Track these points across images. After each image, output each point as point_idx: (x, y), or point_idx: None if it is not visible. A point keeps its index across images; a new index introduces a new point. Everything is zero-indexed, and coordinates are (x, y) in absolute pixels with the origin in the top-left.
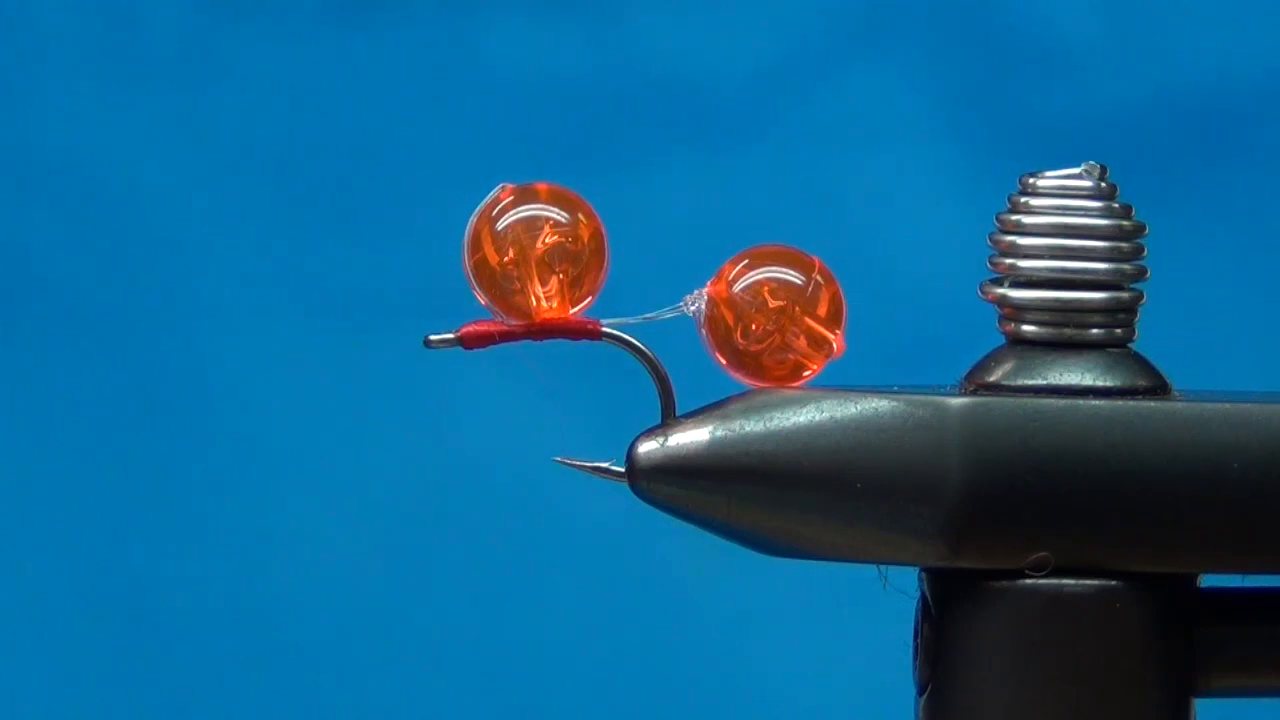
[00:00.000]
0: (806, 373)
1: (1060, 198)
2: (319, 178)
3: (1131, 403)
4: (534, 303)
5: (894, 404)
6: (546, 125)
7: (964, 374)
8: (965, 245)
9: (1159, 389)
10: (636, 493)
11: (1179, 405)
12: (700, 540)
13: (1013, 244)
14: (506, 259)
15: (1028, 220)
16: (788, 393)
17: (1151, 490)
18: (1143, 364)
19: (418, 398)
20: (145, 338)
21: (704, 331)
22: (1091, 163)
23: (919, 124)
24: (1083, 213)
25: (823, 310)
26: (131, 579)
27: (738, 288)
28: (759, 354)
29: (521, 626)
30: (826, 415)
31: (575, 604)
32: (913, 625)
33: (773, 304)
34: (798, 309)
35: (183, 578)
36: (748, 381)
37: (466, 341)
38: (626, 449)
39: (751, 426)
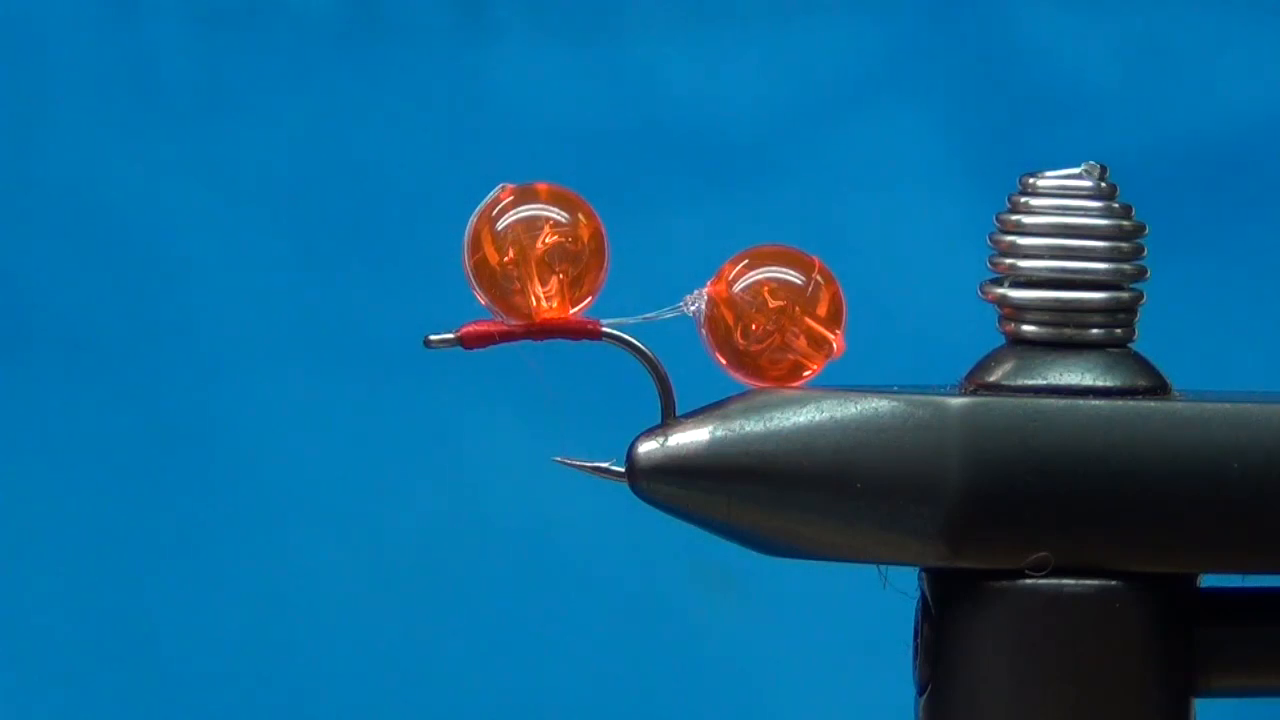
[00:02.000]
0: (806, 373)
1: (1060, 198)
2: (333, 213)
3: (1131, 403)
4: (534, 303)
5: (894, 404)
6: (560, 164)
7: (964, 374)
8: (973, 258)
9: (1159, 389)
10: (636, 493)
11: (1179, 405)
12: (700, 552)
13: (1013, 244)
14: (506, 259)
15: (1028, 220)
16: (788, 393)
17: (1151, 490)
18: (1143, 364)
19: (430, 435)
20: (157, 372)
21: (704, 331)
22: (1091, 162)
23: (934, 167)
24: (1083, 213)
25: (823, 310)
26: (141, 617)
27: (738, 288)
28: (759, 354)
29: (532, 661)
30: (826, 415)
31: (584, 635)
32: (913, 625)
33: (773, 304)
34: (798, 309)
35: (193, 613)
36: (748, 381)
37: (466, 341)
38: (626, 449)
39: (751, 426)
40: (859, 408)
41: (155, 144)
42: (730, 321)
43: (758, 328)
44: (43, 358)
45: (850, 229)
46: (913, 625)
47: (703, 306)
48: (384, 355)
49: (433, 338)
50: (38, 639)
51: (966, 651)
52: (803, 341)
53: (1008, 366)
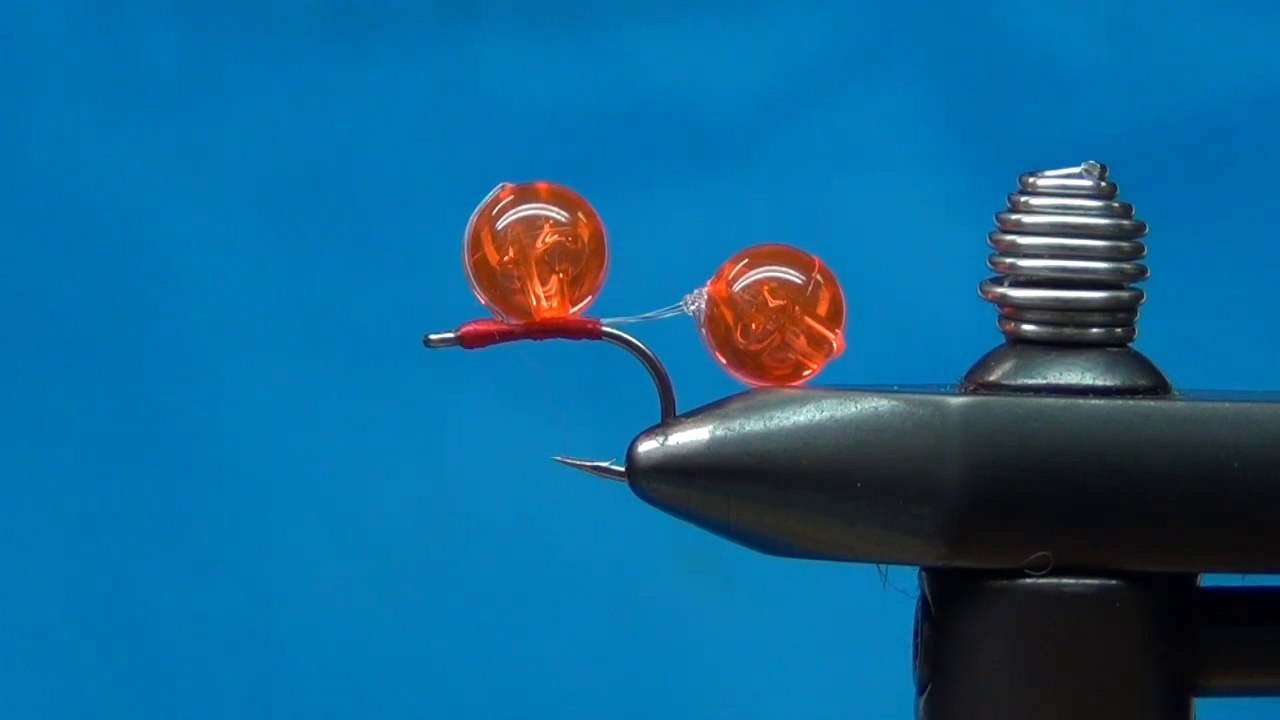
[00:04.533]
0: (806, 372)
1: (1060, 197)
2: (319, 203)
3: (1131, 402)
4: (534, 302)
5: (894, 403)
6: (544, 150)
7: (964, 374)
8: (965, 247)
9: (1159, 388)
10: (636, 492)
11: (1179, 405)
12: (685, 539)
13: (1013, 243)
14: (506, 258)
15: (1028, 219)
16: (788, 392)
17: (1151, 490)
18: (1143, 363)
19: (417, 424)
20: (144, 362)
21: (704, 331)
22: (1091, 162)
23: (920, 148)
24: (1082, 212)
25: (823, 309)
26: (133, 609)
27: (738, 287)
28: (759, 353)
29: (522, 650)
30: (826, 414)
31: (574, 625)
32: (913, 625)
33: (773, 303)
34: (798, 308)
35: (184, 607)
36: (748, 381)
37: (466, 341)
38: (626, 448)
39: (751, 426)
40: (859, 407)
41: (140, 136)
42: (730, 321)
43: (758, 327)
44: (29, 349)
45: (836, 210)
46: (913, 625)
47: (702, 306)
48: (371, 345)
49: (432, 337)
50: (28, 629)
51: (966, 651)
52: (803, 341)
53: (1007, 366)
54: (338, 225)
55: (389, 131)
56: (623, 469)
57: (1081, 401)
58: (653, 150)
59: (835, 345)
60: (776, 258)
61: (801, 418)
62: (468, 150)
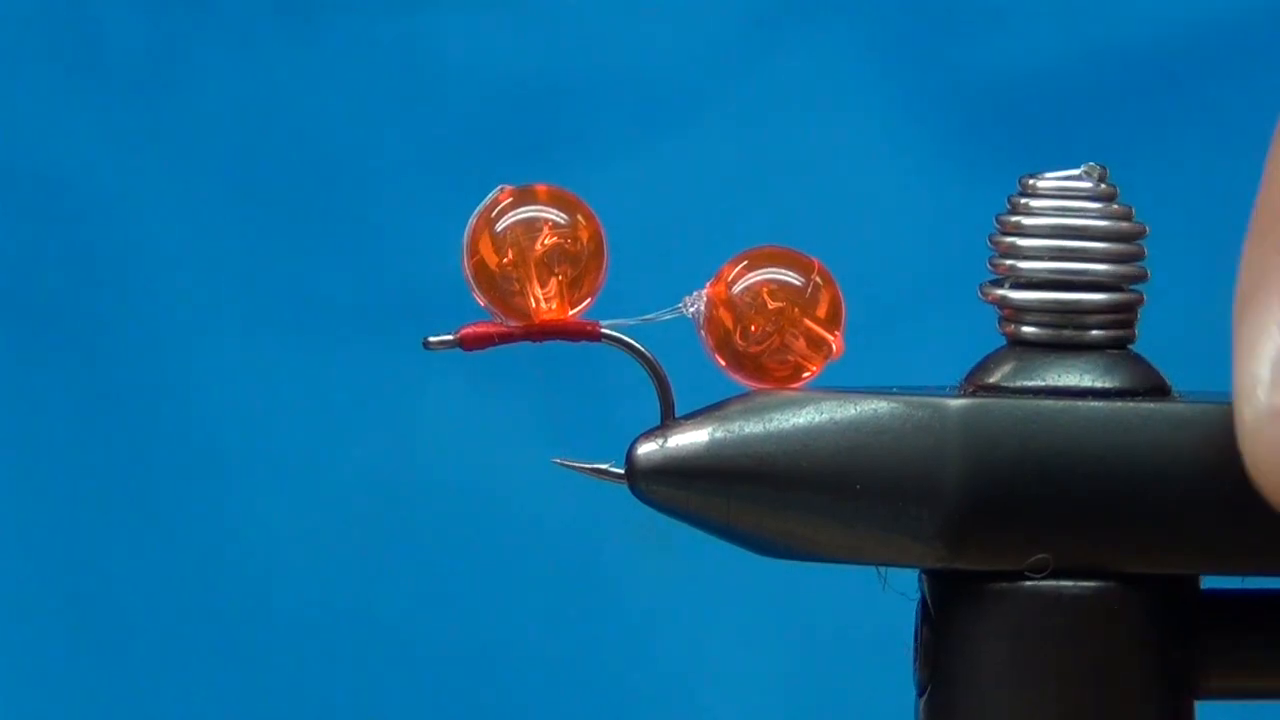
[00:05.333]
0: (806, 374)
1: (1060, 199)
2: (279, 183)
3: (1131, 404)
4: (533, 304)
5: (893, 405)
6: (500, 122)
7: (964, 375)
8: (914, 184)
9: (1159, 390)
10: (636, 494)
11: (1178, 407)
12: (651, 524)
13: (1012, 245)
14: (505, 260)
15: (1027, 221)
16: (787, 394)
17: (1151, 492)
18: (1142, 365)
19: (379, 399)
20: (109, 343)
21: (703, 333)
22: (1091, 164)
23: (866, 89)
24: (1082, 214)
25: (822, 311)
26: (97, 584)
27: (737, 289)
28: (758, 355)
29: (481, 622)
30: (826, 417)
31: (540, 609)
32: (913, 627)
33: (772, 305)
34: (797, 310)
35: (148, 583)
36: (747, 383)
37: (466, 343)
38: (626, 450)
39: (751, 428)
40: (858, 409)
41: (103, 117)
42: (730, 323)
43: (757, 329)
44: None
45: (786, 156)
46: (913, 627)
47: (702, 308)
48: (333, 322)
49: (432, 339)
50: None
51: (966, 652)
52: (802, 343)
53: (1007, 368)
54: (301, 202)
55: (349, 108)
56: (622, 471)
57: (1081, 404)
58: (604, 114)
59: (834, 347)
60: (776, 260)
61: (801, 420)
62: (425, 122)
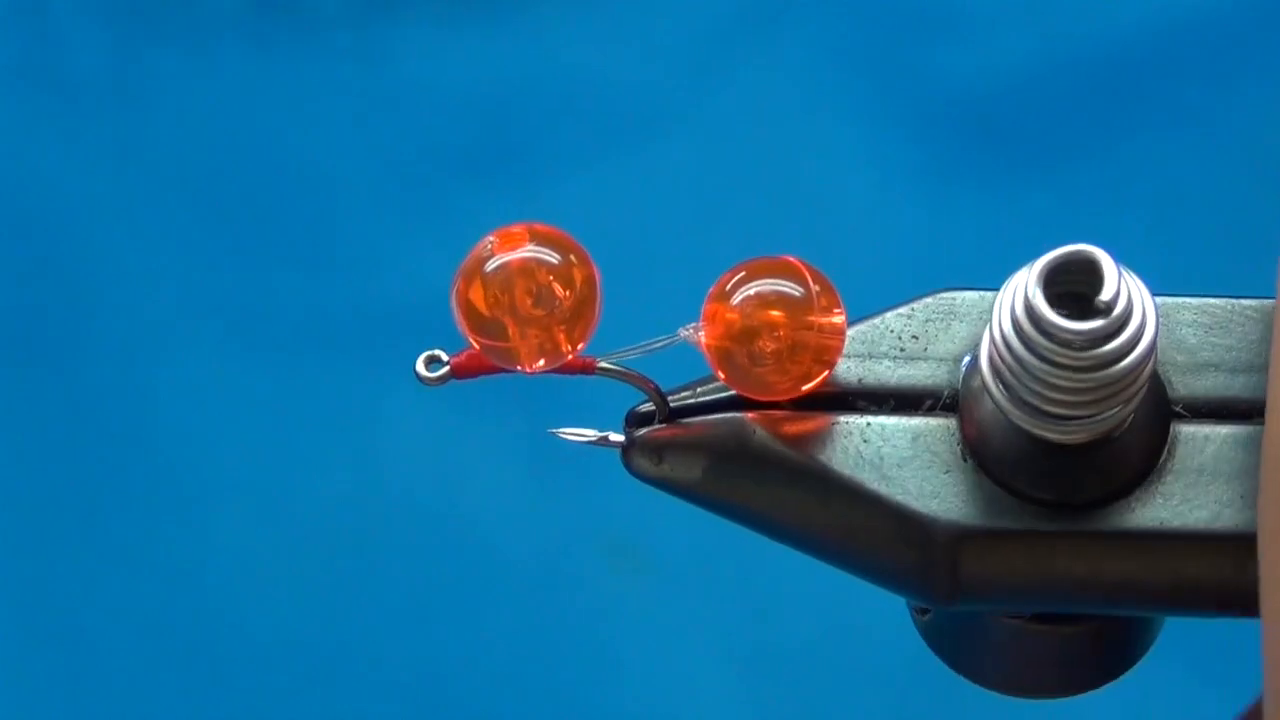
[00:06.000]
0: (808, 386)
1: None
2: (247, 195)
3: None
4: (523, 368)
5: (888, 509)
6: (464, 137)
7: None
8: (886, 184)
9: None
10: (629, 468)
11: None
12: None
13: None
14: (495, 305)
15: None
16: (779, 445)
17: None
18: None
19: (344, 413)
20: (76, 359)
21: (706, 356)
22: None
23: (831, 97)
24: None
25: (824, 319)
26: (60, 603)
27: (735, 302)
28: (764, 374)
29: (451, 638)
30: (815, 499)
31: (511, 630)
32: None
33: (775, 319)
34: (799, 322)
35: (113, 603)
36: (754, 398)
37: (458, 373)
38: (624, 416)
39: (742, 482)
40: (850, 507)
41: (67, 133)
42: (732, 346)
43: (760, 348)
44: None
45: (755, 166)
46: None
47: (702, 335)
48: (301, 338)
49: (429, 376)
50: None
51: None
52: (808, 356)
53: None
54: (268, 219)
55: (316, 125)
56: (621, 438)
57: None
58: (572, 128)
59: (836, 355)
60: (772, 271)
61: (793, 493)
62: (391, 140)
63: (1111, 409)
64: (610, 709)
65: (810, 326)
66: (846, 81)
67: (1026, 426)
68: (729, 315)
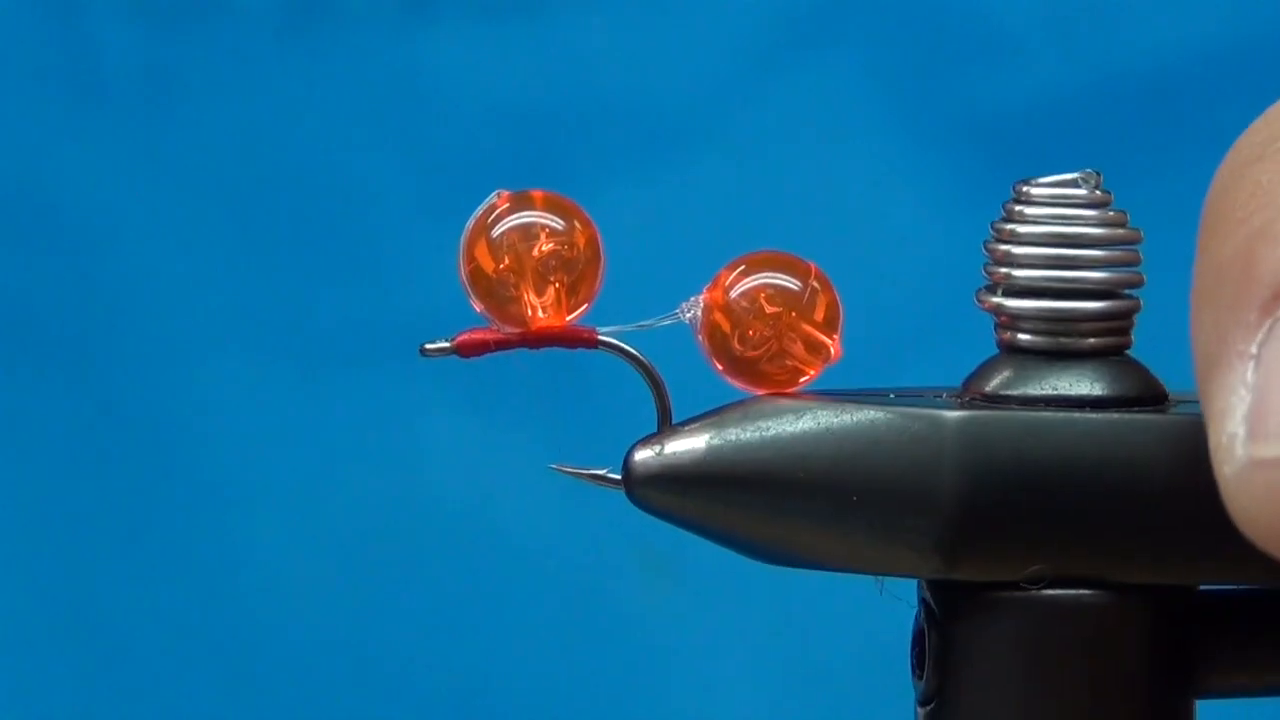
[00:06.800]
0: (804, 378)
1: (1054, 206)
2: (278, 207)
3: (1127, 415)
4: (529, 312)
5: (889, 416)
6: (501, 146)
7: (962, 382)
8: (917, 210)
9: (1156, 396)
10: (633, 500)
11: (1175, 417)
12: (659, 549)
13: (1007, 253)
14: (502, 266)
15: (1022, 229)
16: (784, 402)
17: (1149, 504)
18: (1140, 372)
19: (375, 422)
20: (107, 365)
21: (701, 338)
22: (1086, 170)
23: (869, 116)
24: (1077, 221)
25: (820, 315)
26: (95, 609)
27: (734, 294)
28: (756, 360)
29: (483, 650)
30: (822, 426)
31: (542, 634)
32: (912, 634)
33: (770, 310)
34: (795, 315)
35: (147, 610)
36: (745, 387)
37: (462, 350)
38: (623, 457)
39: (748, 436)
40: (854, 419)
41: (100, 136)
42: (727, 328)
43: (755, 334)
44: None
45: (788, 184)
46: (912, 634)
47: (699, 314)
48: (333, 345)
49: (429, 346)
50: None
51: (967, 660)
52: (800, 347)
53: (1004, 376)
54: (299, 225)
55: (345, 129)
56: (619, 477)
57: (1077, 415)
58: (608, 142)
59: (832, 351)
60: (773, 264)
61: (797, 429)
62: (426, 148)
63: None
64: (643, 714)
65: (804, 316)
66: (885, 102)
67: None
68: (725, 294)
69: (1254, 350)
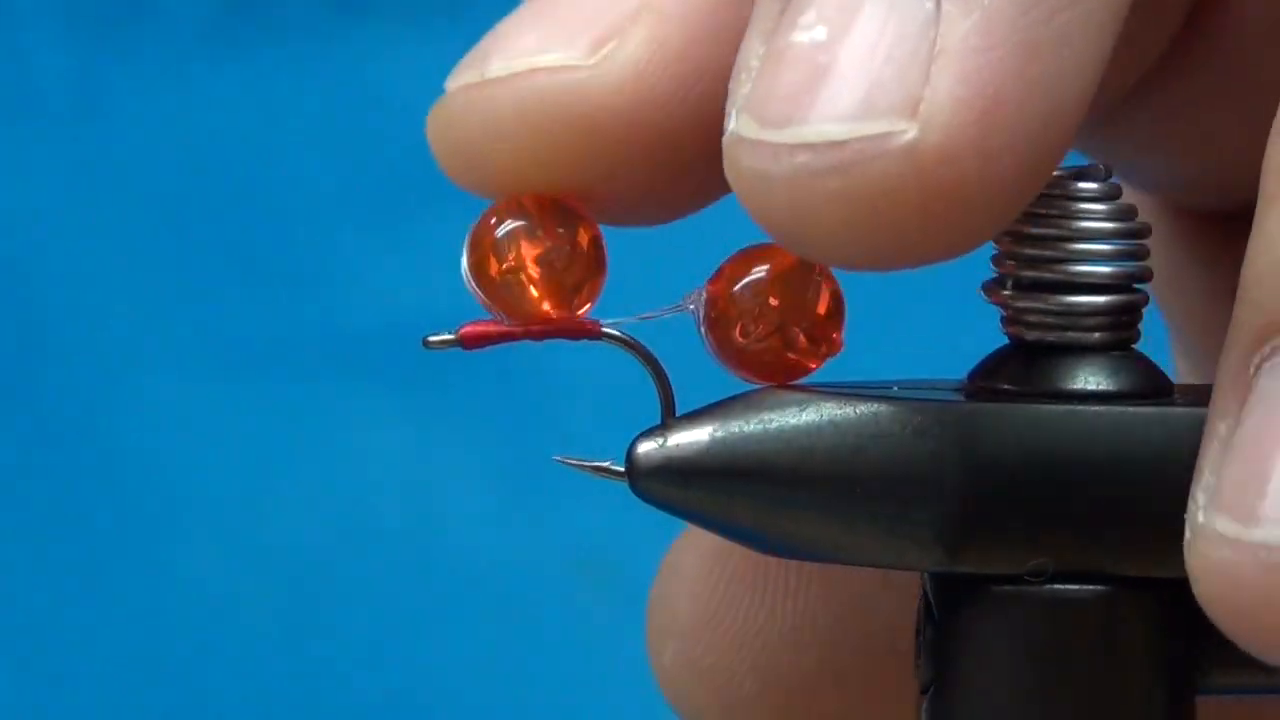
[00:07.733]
0: (807, 371)
1: (1062, 199)
2: (213, 213)
3: (1133, 409)
4: (532, 309)
5: (893, 409)
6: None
7: (967, 374)
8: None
9: (1162, 390)
10: (636, 493)
11: (1180, 411)
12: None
13: (1014, 246)
14: (505, 266)
15: (1029, 225)
16: (787, 394)
17: (1151, 497)
18: (1146, 366)
19: (313, 434)
20: (42, 381)
21: (704, 330)
22: (1095, 164)
23: None
24: (1086, 215)
25: (823, 308)
26: (30, 629)
27: (738, 287)
28: (759, 353)
29: (420, 658)
30: (826, 418)
31: (483, 650)
32: (914, 624)
33: (773, 302)
34: (798, 307)
35: (83, 627)
36: (748, 380)
37: (466, 342)
38: (626, 449)
39: (751, 428)
40: (858, 412)
41: (30, 150)
42: (731, 320)
43: (758, 327)
44: None
45: None
46: (914, 624)
47: (702, 305)
48: (265, 357)
49: (432, 339)
50: None
51: (969, 653)
52: (803, 340)
53: (1010, 369)
54: (234, 235)
55: (284, 138)
56: (622, 469)
57: (1082, 409)
58: None
59: (835, 344)
60: (776, 256)
61: (801, 420)
62: (362, 158)
63: None
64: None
65: (807, 308)
66: None
67: None
68: (729, 286)
69: None
